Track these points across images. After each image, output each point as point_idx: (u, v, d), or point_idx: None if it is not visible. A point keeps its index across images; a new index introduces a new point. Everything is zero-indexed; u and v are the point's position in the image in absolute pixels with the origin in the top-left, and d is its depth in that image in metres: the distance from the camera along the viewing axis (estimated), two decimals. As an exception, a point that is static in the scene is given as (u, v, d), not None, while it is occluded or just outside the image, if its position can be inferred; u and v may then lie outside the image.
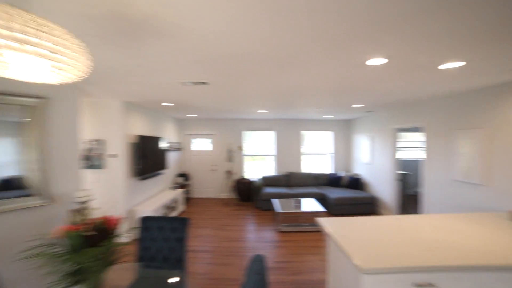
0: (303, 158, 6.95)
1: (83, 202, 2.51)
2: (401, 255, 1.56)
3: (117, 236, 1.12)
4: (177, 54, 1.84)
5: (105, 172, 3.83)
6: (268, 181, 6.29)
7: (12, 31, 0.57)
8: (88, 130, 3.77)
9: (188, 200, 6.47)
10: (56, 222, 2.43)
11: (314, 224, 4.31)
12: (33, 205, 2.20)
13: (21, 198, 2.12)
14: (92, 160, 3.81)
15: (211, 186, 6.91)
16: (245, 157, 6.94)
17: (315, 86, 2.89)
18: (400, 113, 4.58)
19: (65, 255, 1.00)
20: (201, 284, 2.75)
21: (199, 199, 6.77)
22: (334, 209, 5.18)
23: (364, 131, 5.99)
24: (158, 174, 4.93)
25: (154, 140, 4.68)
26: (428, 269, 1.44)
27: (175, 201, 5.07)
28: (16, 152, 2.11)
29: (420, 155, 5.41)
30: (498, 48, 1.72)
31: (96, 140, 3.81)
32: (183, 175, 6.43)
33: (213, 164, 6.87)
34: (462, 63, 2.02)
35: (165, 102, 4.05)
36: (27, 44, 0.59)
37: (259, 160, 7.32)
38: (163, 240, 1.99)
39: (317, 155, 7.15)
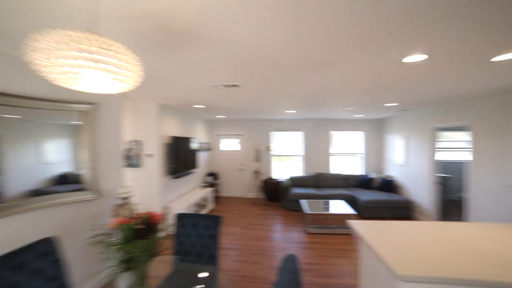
0: (332, 158, 6.77)
1: (125, 198, 2.76)
2: (442, 264, 1.47)
3: (160, 230, 1.23)
4: (212, 59, 1.93)
5: (142, 171, 4.13)
6: (296, 182, 6.25)
7: (91, 53, 0.68)
8: (128, 132, 4.10)
9: (217, 198, 6.68)
10: (104, 215, 2.71)
11: (344, 226, 4.19)
12: (86, 199, 2.48)
13: (77, 192, 2.41)
14: (131, 159, 4.13)
15: (239, 185, 7.06)
16: (272, 157, 6.96)
17: (346, 86, 2.82)
18: (440, 111, 4.24)
19: (119, 244, 1.13)
20: (231, 281, 2.84)
21: (227, 198, 6.96)
22: (365, 212, 4.97)
23: (398, 130, 5.65)
24: (189, 173, 5.17)
25: (186, 140, 4.92)
26: (478, 284, 1.32)
27: (205, 199, 5.28)
28: (71, 151, 2.39)
29: (465, 156, 4.95)
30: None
31: (135, 141, 4.13)
32: (212, 175, 6.67)
33: (241, 164, 7.01)
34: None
35: (197, 105, 4.25)
36: (100, 63, 0.70)
37: (286, 160, 7.29)
38: (197, 236, 2.11)
39: (347, 155, 6.91)
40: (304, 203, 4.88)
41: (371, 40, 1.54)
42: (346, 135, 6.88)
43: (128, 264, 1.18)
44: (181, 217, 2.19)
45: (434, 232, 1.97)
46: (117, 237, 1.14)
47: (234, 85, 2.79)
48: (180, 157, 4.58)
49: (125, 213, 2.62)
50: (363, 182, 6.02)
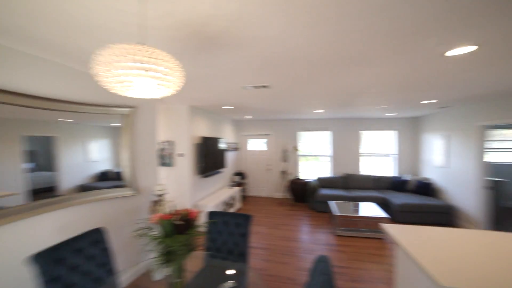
0: (361, 159, 6.49)
1: (160, 195, 2.94)
2: (492, 279, 1.33)
3: (197, 226, 1.30)
4: (243, 61, 1.98)
5: (174, 170, 4.36)
6: (324, 182, 6.10)
7: (143, 63, 0.76)
8: (161, 133, 4.35)
9: (244, 198, 6.79)
10: (142, 210, 2.92)
11: (375, 230, 4.00)
12: (126, 195, 2.69)
13: (119, 189, 2.62)
14: (164, 158, 4.38)
15: (265, 185, 7.10)
16: (299, 157, 6.88)
17: (380, 83, 2.69)
18: (490, 108, 3.81)
19: (160, 238, 1.21)
20: (262, 280, 2.87)
21: (254, 197, 7.03)
22: (399, 216, 4.69)
23: (437, 129, 5.22)
24: (218, 172, 5.33)
25: (215, 140, 5.08)
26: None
27: (232, 198, 5.40)
28: (110, 151, 2.61)
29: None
30: None
31: (167, 141, 4.37)
32: (239, 174, 6.79)
33: (268, 164, 7.04)
34: None
35: (226, 106, 4.37)
36: (150, 71, 0.78)
37: (312, 160, 7.15)
38: (228, 234, 2.18)
39: (378, 156, 6.56)
40: (332, 204, 4.76)
41: (412, 34, 1.46)
42: (377, 135, 6.54)
43: (168, 257, 1.26)
44: (212, 214, 2.28)
45: (483, 242, 1.79)
46: (158, 231, 1.23)
47: (264, 86, 2.81)
48: (209, 157, 4.75)
49: (161, 210, 2.79)
50: (396, 184, 5.68)
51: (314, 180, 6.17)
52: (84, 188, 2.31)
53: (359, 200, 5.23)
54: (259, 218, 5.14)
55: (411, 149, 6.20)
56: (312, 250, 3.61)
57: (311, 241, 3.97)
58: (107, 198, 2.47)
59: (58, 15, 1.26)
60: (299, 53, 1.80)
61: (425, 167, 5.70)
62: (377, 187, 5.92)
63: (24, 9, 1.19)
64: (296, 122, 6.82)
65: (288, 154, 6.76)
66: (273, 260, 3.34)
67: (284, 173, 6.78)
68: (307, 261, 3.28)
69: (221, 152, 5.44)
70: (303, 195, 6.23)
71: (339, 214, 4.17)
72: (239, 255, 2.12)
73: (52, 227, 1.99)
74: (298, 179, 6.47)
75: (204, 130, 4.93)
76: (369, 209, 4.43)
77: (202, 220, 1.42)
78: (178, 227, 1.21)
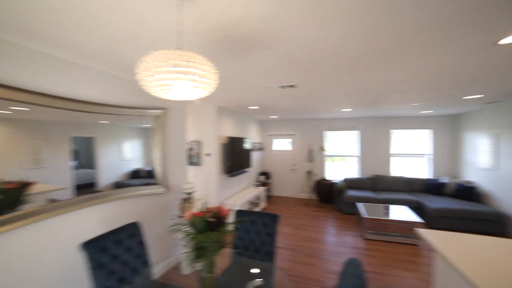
0: (392, 160, 6.15)
1: (189, 193, 3.06)
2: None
3: (227, 224, 1.34)
4: (270, 61, 2.00)
5: (201, 169, 4.51)
6: (351, 183, 5.89)
7: (181, 67, 0.81)
8: (189, 133, 4.53)
9: (269, 198, 6.80)
10: (172, 207, 3.08)
11: (408, 235, 3.77)
12: (158, 192, 2.84)
13: (151, 186, 2.79)
14: (192, 158, 4.55)
15: (290, 185, 7.05)
16: (325, 157, 6.72)
17: (415, 80, 2.54)
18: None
19: (192, 234, 1.27)
20: (284, 280, 2.86)
21: (279, 197, 7.02)
22: (435, 221, 4.35)
23: (482, 127, 4.74)
24: (243, 172, 5.40)
25: (240, 140, 5.16)
26: None
27: (257, 197, 5.44)
28: (141, 150, 2.79)
29: None
30: None
31: (195, 141, 4.54)
32: (264, 174, 6.82)
33: (293, 164, 6.98)
34: None
35: (252, 106, 4.42)
36: (189, 74, 0.83)
37: (339, 161, 6.94)
38: (255, 233, 2.21)
39: (410, 157, 6.16)
40: (361, 206, 4.57)
41: (458, 23, 1.34)
42: (409, 134, 6.15)
43: (199, 252, 1.31)
44: (239, 213, 2.32)
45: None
46: (190, 228, 1.29)
47: (291, 86, 2.80)
48: (235, 157, 4.83)
49: (190, 207, 2.92)
50: (432, 187, 5.29)
51: (341, 181, 5.98)
52: (118, 185, 2.49)
53: (389, 202, 4.97)
54: (284, 218, 5.12)
55: (449, 149, 5.73)
56: (339, 253, 3.51)
57: (338, 243, 3.86)
58: (140, 195, 2.64)
59: (103, 27, 1.38)
60: (329, 52, 1.77)
61: (467, 169, 5.22)
62: (409, 189, 5.57)
63: (75, 24, 1.33)
64: (322, 121, 6.67)
65: (314, 154, 6.63)
66: (298, 261, 3.31)
67: (309, 173, 6.66)
68: (334, 263, 3.20)
69: (247, 152, 5.51)
70: (329, 196, 6.08)
71: (367, 217, 4.00)
72: (266, 254, 2.14)
73: (96, 219, 2.18)
74: (324, 179, 6.32)
75: (230, 130, 5.03)
76: (400, 213, 4.19)
77: (230, 219, 1.46)
78: (210, 224, 1.26)
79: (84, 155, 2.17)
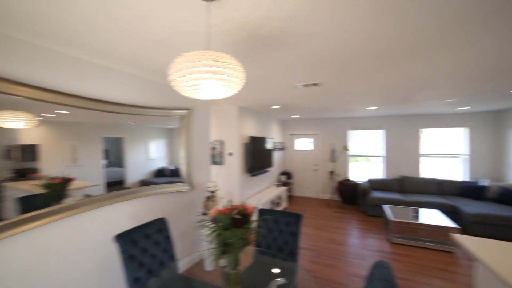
0: (421, 160, 5.79)
1: (212, 191, 3.14)
2: None
3: (252, 221, 1.35)
4: (295, 60, 1.98)
5: (224, 168, 4.59)
6: (375, 185, 5.65)
7: (211, 67, 0.85)
8: (212, 133, 4.64)
9: (290, 198, 6.75)
10: (196, 205, 3.17)
11: (441, 241, 3.52)
12: (183, 190, 2.95)
13: (176, 184, 2.89)
14: (215, 157, 4.66)
15: (312, 185, 6.93)
16: (349, 157, 6.52)
17: (451, 74, 2.37)
18: None
19: (218, 230, 1.31)
20: (307, 280, 2.83)
21: (300, 197, 6.93)
22: (472, 227, 4.01)
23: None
24: (265, 171, 5.41)
25: (262, 140, 5.17)
26: None
27: (279, 197, 5.42)
28: (165, 150, 2.90)
29: None
30: None
31: (218, 141, 4.64)
32: (286, 174, 6.78)
33: (315, 164, 6.86)
34: None
35: (274, 105, 4.42)
36: (217, 73, 0.86)
37: (362, 161, 6.69)
38: (278, 232, 2.20)
39: (442, 157, 5.75)
40: (387, 208, 4.37)
41: (500, 11, 1.24)
42: (441, 133, 5.74)
43: (224, 249, 1.34)
44: (262, 212, 2.33)
45: None
46: (216, 224, 1.32)
47: (314, 84, 2.76)
48: (256, 156, 4.86)
49: (214, 205, 2.99)
50: (469, 190, 4.90)
51: (364, 182, 5.76)
52: (144, 183, 2.62)
53: (418, 205, 4.69)
54: (306, 219, 5.05)
55: (489, 149, 5.25)
56: (364, 256, 3.38)
57: (362, 246, 3.73)
58: (166, 192, 2.75)
59: (136, 33, 1.46)
60: (358, 47, 1.71)
61: None
62: (441, 192, 5.21)
63: (112, 31, 1.43)
64: (345, 120, 6.47)
65: (337, 154, 6.45)
66: (321, 262, 3.24)
67: (332, 173, 6.50)
68: (359, 267, 3.09)
69: (268, 151, 5.52)
70: (353, 198, 5.88)
71: (394, 219, 3.82)
72: (288, 254, 2.13)
73: (126, 214, 2.32)
74: (348, 180, 6.13)
75: (252, 130, 5.06)
76: (432, 217, 3.94)
77: (254, 217, 1.48)
78: (236, 221, 1.28)
79: (113, 154, 2.32)
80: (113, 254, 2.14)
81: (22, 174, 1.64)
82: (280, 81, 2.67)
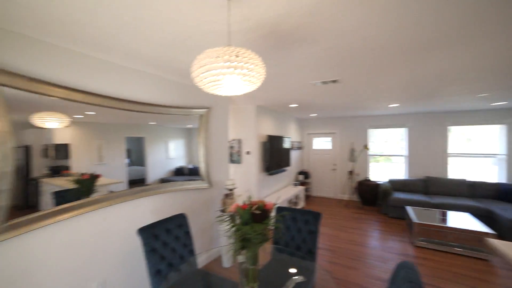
0: (449, 160, 5.45)
1: (231, 189, 3.18)
2: None
3: (271, 218, 1.35)
4: (314, 56, 1.95)
5: (241, 166, 4.63)
6: (397, 185, 5.42)
7: (232, 62, 0.87)
8: (230, 131, 4.69)
9: (308, 197, 6.66)
10: (215, 202, 3.23)
11: (473, 247, 3.30)
12: (202, 187, 3.01)
13: (195, 181, 2.96)
14: (233, 156, 4.71)
15: (330, 185, 6.80)
16: (369, 157, 6.31)
17: (485, 65, 2.20)
18: None
19: (237, 225, 1.32)
20: (326, 281, 2.78)
21: (318, 197, 6.82)
22: (510, 233, 3.69)
23: None
24: (282, 170, 5.38)
25: (280, 139, 5.15)
26: None
27: (296, 197, 5.37)
28: (184, 149, 2.97)
29: None
30: None
31: (236, 139, 4.68)
32: (303, 173, 6.70)
33: (333, 164, 6.72)
34: None
35: (292, 104, 4.38)
36: (238, 68, 0.88)
37: (382, 161, 6.43)
38: (296, 230, 2.18)
39: (474, 157, 5.38)
40: (410, 210, 4.17)
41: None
42: (472, 130, 5.37)
43: (244, 244, 1.35)
44: (280, 210, 2.32)
45: None
46: (236, 220, 1.34)
47: (333, 81, 2.70)
48: (274, 155, 4.85)
49: (232, 203, 3.02)
50: (506, 193, 4.52)
51: (385, 182, 5.54)
52: (164, 181, 2.71)
53: (446, 208, 4.42)
54: (323, 219, 4.95)
55: (527, 149, 4.83)
56: (385, 258, 3.26)
57: (383, 248, 3.59)
58: (186, 189, 2.82)
59: (158, 34, 1.52)
60: (378, 42, 1.65)
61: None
62: (473, 194, 4.87)
63: (136, 34, 1.49)
64: (365, 118, 6.26)
65: (356, 154, 6.26)
66: (339, 263, 3.17)
67: (351, 173, 6.32)
68: (380, 269, 2.98)
69: (286, 150, 5.48)
70: (373, 198, 5.68)
71: (419, 222, 3.63)
72: (307, 253, 2.10)
73: (148, 209, 2.41)
74: (368, 180, 5.93)
75: (269, 128, 5.05)
76: (462, 220, 3.70)
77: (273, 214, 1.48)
78: (255, 216, 1.28)
79: (135, 154, 2.42)
80: (136, 247, 2.24)
81: (56, 171, 1.78)
82: (299, 79, 2.64)
